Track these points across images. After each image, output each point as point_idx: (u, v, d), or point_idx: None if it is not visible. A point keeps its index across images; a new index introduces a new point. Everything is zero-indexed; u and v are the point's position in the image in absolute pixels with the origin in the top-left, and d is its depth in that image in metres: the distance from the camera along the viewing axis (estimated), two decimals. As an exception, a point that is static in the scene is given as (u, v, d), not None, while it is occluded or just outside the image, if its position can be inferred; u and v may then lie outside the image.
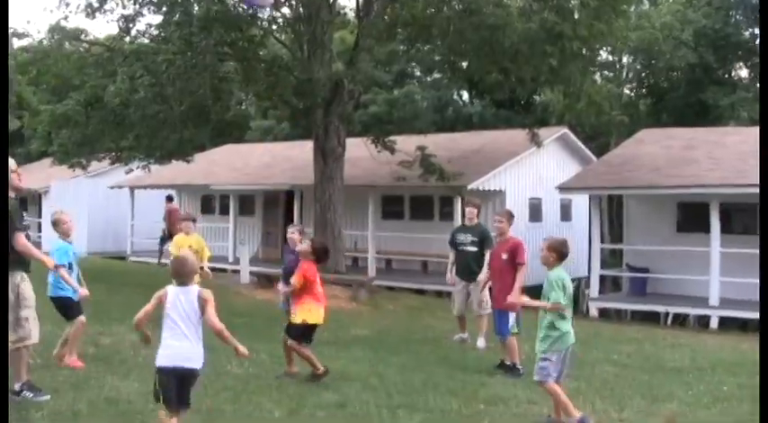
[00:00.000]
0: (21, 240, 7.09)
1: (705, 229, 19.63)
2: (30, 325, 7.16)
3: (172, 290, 5.86)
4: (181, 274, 5.92)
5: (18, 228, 7.11)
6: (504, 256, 10.55)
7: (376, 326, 15.23)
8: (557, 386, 7.31)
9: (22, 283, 7.20)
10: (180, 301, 5.81)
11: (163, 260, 24.10)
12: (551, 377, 7.28)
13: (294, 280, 8.84)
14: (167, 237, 24.43)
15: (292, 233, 10.19)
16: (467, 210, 12.97)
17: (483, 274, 12.07)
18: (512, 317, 10.36)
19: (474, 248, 12.51)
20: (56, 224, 9.17)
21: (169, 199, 27.11)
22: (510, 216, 11.16)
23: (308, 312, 8.86)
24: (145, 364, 9.13)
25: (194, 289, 5.90)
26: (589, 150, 30.00)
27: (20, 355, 7.12)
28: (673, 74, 42.36)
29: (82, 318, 8.95)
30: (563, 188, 22.98)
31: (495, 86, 26.25)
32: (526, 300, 8.09)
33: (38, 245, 33.19)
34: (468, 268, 12.61)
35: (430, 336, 14.31)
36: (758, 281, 17.94)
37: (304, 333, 8.89)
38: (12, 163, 7.20)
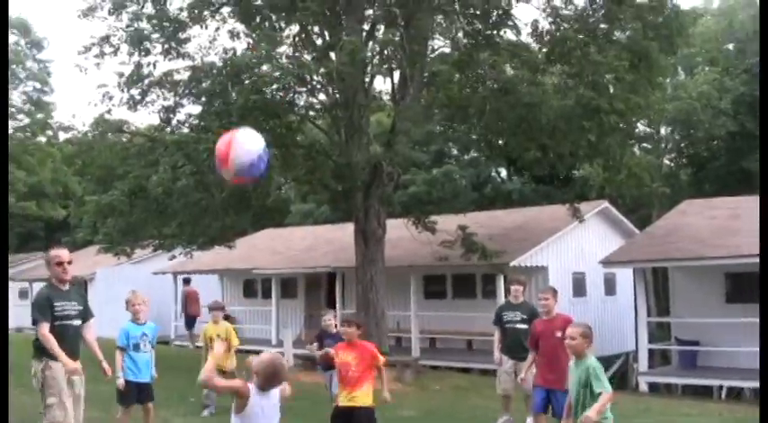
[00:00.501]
0: (42, 331, 7.13)
1: (754, 300, 19.33)
2: (56, 411, 7.07)
3: (256, 397, 5.41)
4: (276, 379, 5.54)
5: (41, 318, 7.18)
6: (558, 334, 10.05)
7: (423, 406, 15.11)
8: None
9: (46, 370, 7.18)
10: (262, 408, 5.45)
11: (197, 344, 24.33)
12: None
13: (378, 361, 8.48)
14: (189, 319, 26.26)
15: (329, 320, 10.29)
16: (512, 288, 12.67)
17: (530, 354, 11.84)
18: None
19: (524, 326, 12.13)
20: (126, 305, 9.47)
21: (186, 281, 27.76)
22: (554, 292, 10.98)
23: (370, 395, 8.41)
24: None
25: (275, 393, 5.58)
26: (631, 223, 29.88)
27: None
28: (713, 143, 42.19)
29: (126, 409, 9.10)
30: (606, 262, 22.82)
31: (534, 163, 26.28)
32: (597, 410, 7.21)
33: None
34: (520, 346, 12.15)
35: (478, 415, 14.19)
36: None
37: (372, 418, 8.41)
38: (65, 254, 7.44)
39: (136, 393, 9.12)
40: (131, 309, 9.36)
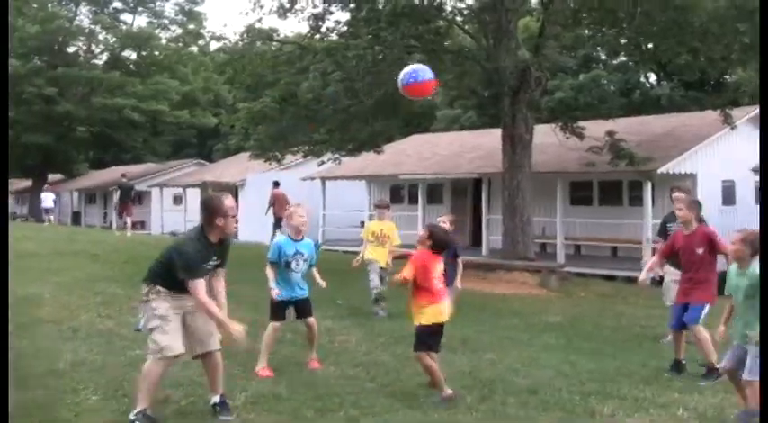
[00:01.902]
0: (197, 291, 6.33)
1: None
2: (157, 337, 6.39)
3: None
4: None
5: (193, 277, 6.35)
6: (700, 251, 9.52)
7: (567, 313, 15.17)
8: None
9: (156, 296, 6.51)
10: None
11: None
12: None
13: (404, 271, 7.52)
14: (276, 221, 25.70)
15: (444, 223, 9.97)
16: (674, 196, 10.94)
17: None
18: (707, 308, 9.33)
19: None
20: (287, 217, 8.95)
21: (276, 184, 27.74)
22: (691, 203, 9.91)
23: (421, 314, 7.52)
24: (342, 349, 9.63)
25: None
26: (787, 129, 28.84)
27: (148, 371, 6.36)
28: None
29: (275, 323, 8.54)
30: (758, 170, 22.23)
31: (684, 67, 25.70)
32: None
33: (234, 235, 34.89)
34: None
35: (623, 323, 14.15)
36: None
37: (421, 339, 7.54)
38: (232, 204, 6.65)
39: (291, 310, 8.62)
40: (294, 222, 8.60)
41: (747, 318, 7.00)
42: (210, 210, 6.54)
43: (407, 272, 7.43)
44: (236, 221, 6.97)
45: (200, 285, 6.31)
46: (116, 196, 33.75)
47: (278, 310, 8.51)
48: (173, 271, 6.39)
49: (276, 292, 8.42)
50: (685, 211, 9.70)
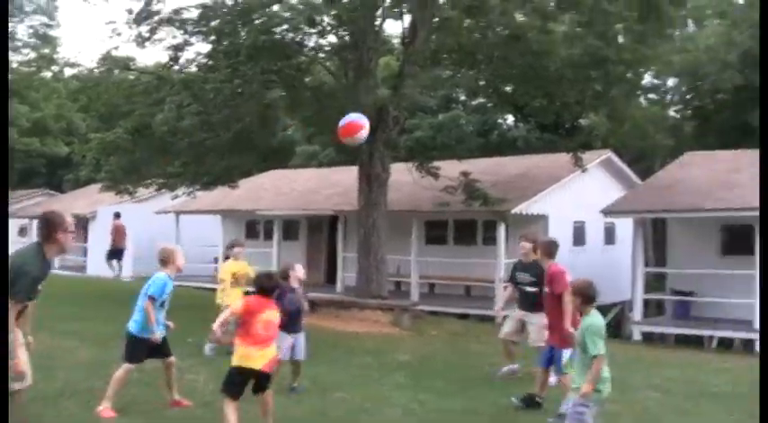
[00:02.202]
0: (13, 313, 5.92)
1: (749, 252, 19.54)
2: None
3: None
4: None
5: (28, 295, 6.09)
6: (547, 289, 9.95)
7: (419, 351, 15.25)
8: None
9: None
10: None
11: (121, 275, 27.78)
12: None
13: (233, 306, 7.80)
14: (114, 252, 27.73)
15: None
16: (520, 244, 11.59)
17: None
18: (566, 353, 9.41)
19: (533, 289, 11.23)
20: (169, 256, 8.61)
21: (116, 216, 28.74)
22: (535, 241, 10.70)
23: (236, 353, 7.54)
24: (190, 388, 9.41)
25: None
26: (634, 173, 29.95)
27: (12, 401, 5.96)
28: (718, 96, 42.12)
29: (131, 366, 8.33)
30: (607, 212, 22.97)
31: (540, 110, 26.35)
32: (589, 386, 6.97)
33: (82, 269, 34.06)
34: (530, 305, 11.41)
35: (473, 362, 14.30)
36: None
37: (228, 378, 7.55)
38: (72, 219, 6.43)
39: (153, 349, 8.43)
40: (179, 262, 8.57)
41: (580, 366, 7.07)
42: (51, 223, 6.25)
43: (236, 308, 7.56)
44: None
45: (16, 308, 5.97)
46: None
47: (140, 351, 8.29)
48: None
49: (157, 336, 8.24)
50: (529, 249, 10.69)
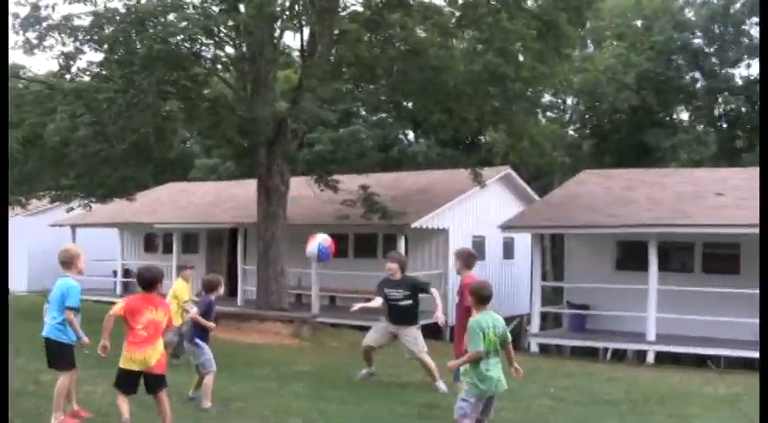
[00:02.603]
0: None
1: (643, 268, 19.96)
2: None
3: None
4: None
5: None
6: (456, 299, 10.45)
7: (318, 362, 15.22)
8: None
9: None
10: None
11: None
12: (468, 418, 7.22)
13: (115, 307, 7.54)
14: None
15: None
16: (386, 265, 12.31)
17: (440, 312, 11.52)
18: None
19: (408, 302, 12.00)
20: (71, 260, 8.12)
21: None
22: (461, 256, 10.75)
23: (122, 355, 7.49)
24: (87, 399, 9.13)
25: None
26: (532, 190, 30.39)
27: None
28: (616, 116, 43.22)
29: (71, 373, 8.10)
30: (505, 227, 23.21)
31: (440, 126, 26.58)
32: (453, 363, 7.85)
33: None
34: (402, 317, 12.09)
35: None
36: (693, 317, 18.68)
37: (118, 379, 7.57)
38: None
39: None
40: (79, 266, 8.11)
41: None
42: None
43: (118, 307, 7.40)
44: None
45: None
46: None
47: (71, 355, 8.00)
48: None
49: (86, 340, 7.89)
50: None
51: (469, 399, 7.22)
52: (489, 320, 7.31)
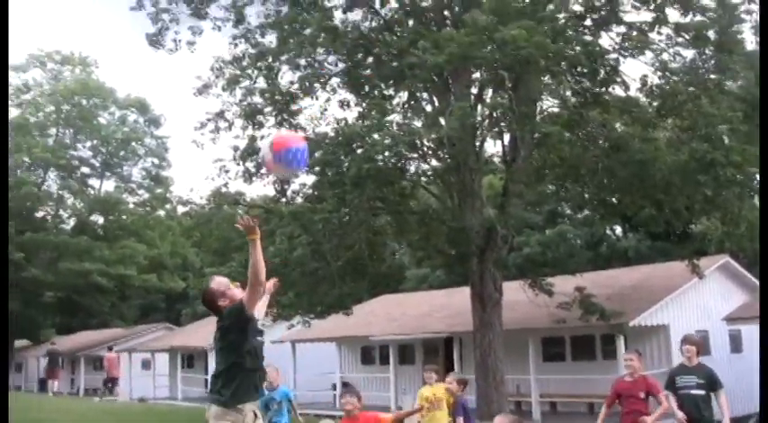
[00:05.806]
0: None
1: None
2: None
3: None
4: None
5: None
6: (642, 396, 10.79)
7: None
8: None
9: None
10: None
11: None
12: None
13: None
14: (107, 380, 33.27)
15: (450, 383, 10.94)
16: (684, 348, 11.26)
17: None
18: None
19: (701, 391, 10.81)
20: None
21: (109, 348, 33.65)
22: (639, 354, 11.35)
23: None
24: None
25: None
26: (754, 277, 29.00)
27: None
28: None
29: None
30: (730, 319, 22.19)
31: (649, 219, 25.84)
32: None
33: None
34: (697, 412, 10.80)
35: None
36: None
37: None
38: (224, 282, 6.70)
39: None
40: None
41: None
42: None
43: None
44: None
45: None
46: (44, 362, 38.58)
47: None
48: None
49: None
50: (635, 361, 11.08)
51: None
52: None
